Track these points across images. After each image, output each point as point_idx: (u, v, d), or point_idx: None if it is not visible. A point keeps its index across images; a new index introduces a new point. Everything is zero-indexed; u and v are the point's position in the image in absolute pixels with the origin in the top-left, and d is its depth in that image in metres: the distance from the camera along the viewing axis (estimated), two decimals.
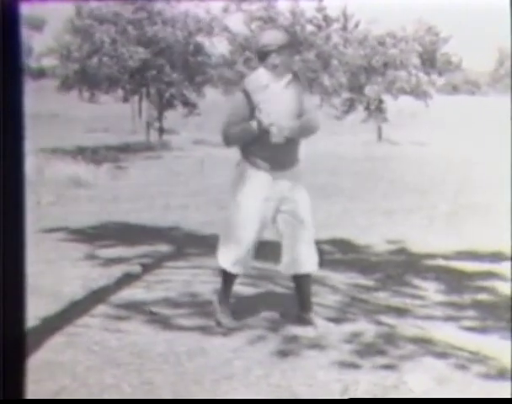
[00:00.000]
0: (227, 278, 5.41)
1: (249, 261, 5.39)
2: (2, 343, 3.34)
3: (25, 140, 3.20)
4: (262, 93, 5.23)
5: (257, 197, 5.25)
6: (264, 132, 5.20)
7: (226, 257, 5.35)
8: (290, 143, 5.30)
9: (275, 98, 5.24)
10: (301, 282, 5.46)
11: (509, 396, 4.17)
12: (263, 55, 5.33)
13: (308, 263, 5.41)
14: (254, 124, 5.22)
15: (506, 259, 7.18)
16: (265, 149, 5.23)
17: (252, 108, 5.24)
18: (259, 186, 5.25)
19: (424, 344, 5.02)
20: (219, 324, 5.35)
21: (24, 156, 3.24)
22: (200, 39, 22.58)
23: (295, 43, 5.49)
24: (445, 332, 5.30)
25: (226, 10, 23.12)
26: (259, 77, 5.30)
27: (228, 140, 5.34)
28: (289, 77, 5.34)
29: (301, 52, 23.39)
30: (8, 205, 3.25)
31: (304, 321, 5.44)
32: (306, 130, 5.38)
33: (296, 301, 5.53)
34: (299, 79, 5.43)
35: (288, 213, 5.32)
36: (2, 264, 3.28)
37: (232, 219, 5.33)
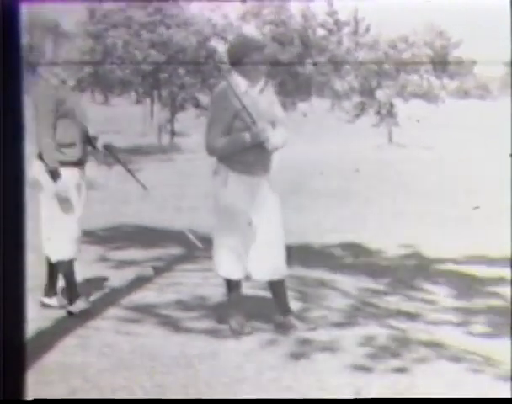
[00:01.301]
0: (231, 284, 5.42)
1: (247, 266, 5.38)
2: (2, 346, 3.36)
3: (25, 140, 3.20)
4: (242, 99, 5.23)
5: (242, 201, 5.26)
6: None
7: (223, 265, 5.35)
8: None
9: (252, 104, 5.25)
10: (278, 287, 5.45)
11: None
12: (235, 60, 5.32)
13: (282, 268, 5.41)
14: (248, 136, 5.21)
15: None
16: (247, 154, 5.24)
17: (235, 115, 5.23)
18: (243, 190, 5.25)
19: (436, 348, 5.02)
20: (231, 328, 5.36)
21: (24, 156, 3.24)
22: (213, 43, 22.58)
23: (265, 47, 5.42)
24: (457, 337, 5.29)
25: (243, 18, 23.12)
26: (238, 83, 5.28)
27: (215, 152, 5.30)
28: (262, 82, 5.35)
29: (312, 56, 23.38)
30: (8, 207, 3.26)
31: (284, 325, 5.43)
32: (285, 143, 5.41)
33: (274, 306, 5.52)
34: (270, 84, 5.44)
35: (265, 218, 5.32)
36: (2, 266, 3.29)
37: (221, 226, 5.33)
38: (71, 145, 5.66)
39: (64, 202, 5.62)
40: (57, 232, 5.67)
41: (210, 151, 5.31)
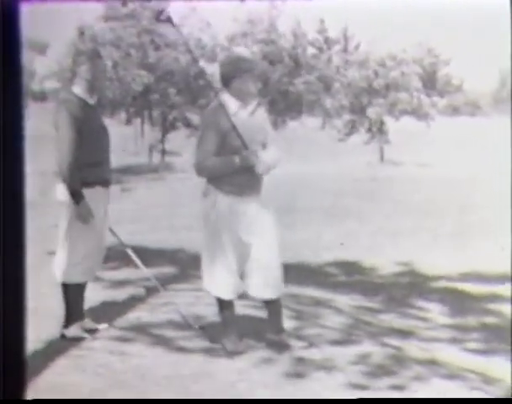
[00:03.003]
0: (223, 304, 5.39)
1: (240, 285, 5.36)
2: (2, 345, 3.34)
3: (26, 160, 3.18)
4: (233, 120, 5.20)
5: (231, 222, 5.23)
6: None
7: (214, 285, 5.33)
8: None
9: (243, 125, 5.23)
10: (273, 306, 5.43)
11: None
12: (226, 81, 5.30)
13: (279, 287, 5.39)
14: (237, 159, 5.19)
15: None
16: (236, 176, 5.22)
17: (225, 136, 5.20)
18: (232, 211, 5.23)
19: (431, 366, 5.00)
20: (224, 348, 5.33)
21: (24, 177, 3.23)
22: (202, 63, 22.61)
23: (256, 67, 5.39)
24: (451, 354, 5.28)
25: (232, 40, 23.16)
26: (228, 104, 5.26)
27: (204, 172, 5.27)
28: (254, 103, 5.33)
29: (302, 75, 23.45)
30: (8, 227, 3.24)
31: (278, 344, 5.40)
32: (276, 164, 5.40)
33: (267, 325, 5.50)
34: (262, 106, 5.42)
35: (259, 238, 5.30)
36: (2, 278, 3.28)
37: (212, 247, 5.30)
38: (96, 164, 5.54)
39: (85, 224, 5.51)
40: (70, 254, 5.60)
41: (199, 171, 5.29)
